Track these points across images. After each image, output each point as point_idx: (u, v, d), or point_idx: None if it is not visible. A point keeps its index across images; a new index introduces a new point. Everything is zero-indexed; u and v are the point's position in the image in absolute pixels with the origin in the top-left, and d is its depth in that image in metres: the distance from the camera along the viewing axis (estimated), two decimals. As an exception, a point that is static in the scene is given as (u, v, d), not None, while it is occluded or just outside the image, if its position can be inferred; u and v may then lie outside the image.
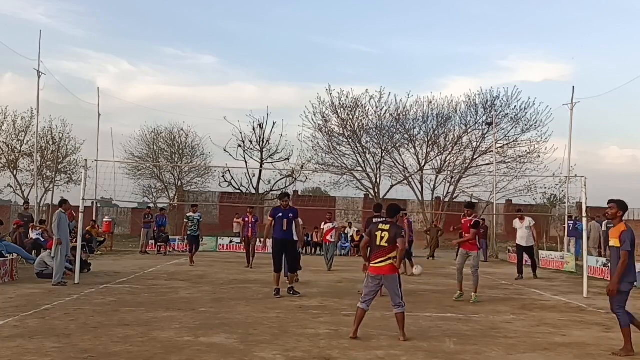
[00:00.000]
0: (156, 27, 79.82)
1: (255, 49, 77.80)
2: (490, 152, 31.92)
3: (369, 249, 7.60)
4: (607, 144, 73.52)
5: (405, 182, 33.80)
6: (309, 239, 26.18)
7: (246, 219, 17.63)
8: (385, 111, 33.08)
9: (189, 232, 18.03)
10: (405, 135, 33.52)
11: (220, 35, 79.07)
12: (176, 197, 37.17)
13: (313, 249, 26.03)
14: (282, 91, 73.70)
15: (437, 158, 33.93)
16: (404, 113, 33.09)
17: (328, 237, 17.48)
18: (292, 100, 73.41)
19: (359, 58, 74.03)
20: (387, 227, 7.44)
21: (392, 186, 34.05)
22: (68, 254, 12.80)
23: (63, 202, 13.07)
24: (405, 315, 7.48)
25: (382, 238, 7.40)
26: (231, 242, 25.77)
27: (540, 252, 22.60)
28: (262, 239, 12.74)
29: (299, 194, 38.99)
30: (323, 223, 18.21)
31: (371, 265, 7.50)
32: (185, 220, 18.32)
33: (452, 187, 33.76)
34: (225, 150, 32.17)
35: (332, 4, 75.43)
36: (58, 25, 79.45)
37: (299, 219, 11.61)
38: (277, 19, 78.39)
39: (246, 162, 31.89)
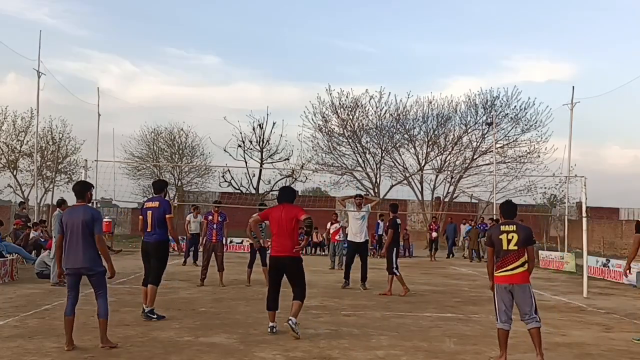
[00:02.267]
0: (160, 27, 79.73)
1: (259, 49, 77.83)
2: (490, 152, 31.96)
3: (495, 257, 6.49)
4: (609, 144, 73.47)
5: (405, 182, 33.83)
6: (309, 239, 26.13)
7: (210, 217, 13.15)
8: (385, 111, 33.16)
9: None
10: (405, 135, 33.56)
11: (224, 36, 79.00)
12: (176, 197, 37.17)
13: (313, 249, 26.01)
14: (286, 91, 73.65)
15: (437, 158, 34.01)
16: (404, 113, 33.16)
17: (337, 237, 17.85)
18: (295, 100, 73.43)
19: (362, 58, 73.98)
20: (512, 227, 6.45)
21: (392, 186, 34.15)
22: None
23: (62, 202, 13.02)
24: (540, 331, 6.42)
25: (509, 241, 6.36)
26: (231, 242, 25.73)
27: (540, 252, 22.63)
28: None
29: (299, 194, 38.98)
30: (329, 223, 18.62)
31: (498, 274, 6.41)
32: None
33: (452, 187, 33.80)
34: (225, 150, 32.23)
35: (337, 3, 75.43)
36: (62, 25, 79.39)
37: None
38: (280, 19, 78.42)
39: (246, 162, 31.95)
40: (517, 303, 6.36)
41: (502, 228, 6.48)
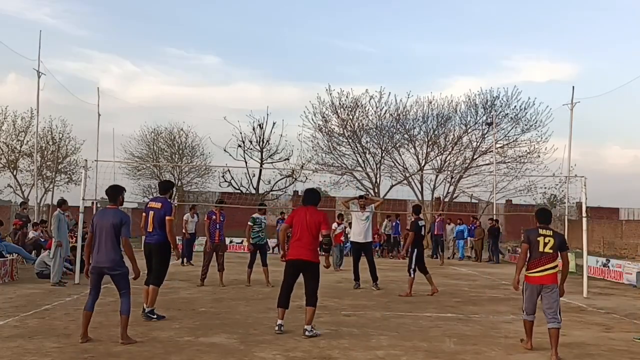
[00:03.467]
0: (160, 27, 79.77)
1: (259, 49, 77.85)
2: (490, 152, 31.94)
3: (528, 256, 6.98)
4: (609, 144, 73.51)
5: (405, 182, 33.82)
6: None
7: (213, 217, 12.75)
8: (385, 111, 33.14)
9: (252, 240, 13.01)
10: (405, 135, 33.55)
11: (224, 36, 79.06)
12: (176, 197, 37.17)
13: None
14: (286, 91, 73.70)
15: (437, 158, 33.98)
16: (404, 113, 33.15)
17: (342, 238, 18.02)
18: (295, 100, 73.44)
19: (362, 58, 74.05)
20: (550, 232, 6.96)
21: (392, 186, 34.12)
22: (68, 254, 12.80)
23: (62, 203, 13.01)
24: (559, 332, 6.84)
25: (545, 244, 6.87)
26: (231, 242, 25.74)
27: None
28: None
29: (299, 194, 39.00)
30: (335, 224, 18.83)
31: (531, 274, 6.93)
32: (250, 223, 13.05)
33: (452, 187, 33.79)
34: (225, 150, 32.22)
35: (337, 3, 75.44)
36: (63, 25, 79.44)
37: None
38: (280, 19, 78.45)
39: (246, 162, 31.92)
40: (544, 302, 6.86)
41: (540, 232, 6.93)
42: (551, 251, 6.84)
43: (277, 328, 7.58)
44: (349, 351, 6.74)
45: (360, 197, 13.69)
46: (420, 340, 7.45)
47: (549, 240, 6.86)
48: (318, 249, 7.88)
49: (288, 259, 7.70)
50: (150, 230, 8.60)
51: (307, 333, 7.37)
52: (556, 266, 6.88)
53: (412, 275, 11.75)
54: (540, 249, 6.85)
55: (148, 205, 8.89)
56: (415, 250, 11.81)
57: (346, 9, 74.66)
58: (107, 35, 75.46)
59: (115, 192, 7.24)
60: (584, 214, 13.48)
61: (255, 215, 13.04)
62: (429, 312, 9.78)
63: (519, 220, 35.36)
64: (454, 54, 70.27)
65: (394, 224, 25.20)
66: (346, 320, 8.79)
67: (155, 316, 8.40)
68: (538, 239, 6.89)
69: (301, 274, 7.69)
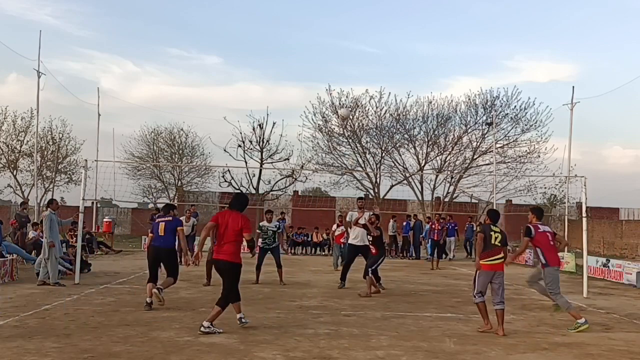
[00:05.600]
0: (162, 28, 79.92)
1: (260, 50, 77.92)
2: (490, 152, 31.93)
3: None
4: (610, 143, 73.58)
5: (405, 182, 33.81)
6: (309, 238, 26.22)
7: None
8: (385, 111, 33.13)
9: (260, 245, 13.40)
10: (405, 135, 33.54)
11: (225, 36, 79.16)
12: (176, 197, 37.17)
13: (313, 249, 26.03)
14: (287, 91, 73.79)
15: (437, 158, 33.96)
16: (404, 113, 33.14)
17: (342, 240, 17.99)
18: (295, 100, 73.51)
19: (362, 58, 74.12)
20: (498, 230, 8.38)
21: (392, 186, 34.11)
22: (60, 253, 12.66)
23: (51, 202, 12.94)
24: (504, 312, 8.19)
25: (495, 239, 8.23)
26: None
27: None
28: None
29: (299, 194, 39.00)
30: (335, 225, 18.90)
31: (485, 262, 8.20)
32: (257, 231, 13.41)
33: (452, 187, 33.78)
34: (225, 150, 32.17)
35: (339, 4, 75.48)
36: (64, 26, 79.55)
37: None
38: (281, 20, 78.46)
39: (246, 162, 31.86)
40: (494, 286, 8.17)
41: (493, 228, 8.35)
42: (499, 245, 8.24)
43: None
44: (349, 351, 6.74)
45: (359, 198, 13.69)
46: (420, 340, 7.45)
47: (498, 236, 8.28)
48: (242, 249, 8.25)
49: (213, 259, 8.22)
50: (162, 234, 9.48)
51: (243, 320, 7.89)
52: (502, 257, 8.23)
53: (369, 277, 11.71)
54: (492, 242, 8.22)
55: (156, 220, 9.90)
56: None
57: (346, 9, 74.76)
58: (108, 35, 75.59)
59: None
60: (584, 214, 13.48)
61: (262, 222, 13.58)
62: (429, 312, 9.78)
63: (519, 220, 35.39)
64: (455, 54, 70.39)
65: (404, 223, 25.07)
66: (346, 320, 8.79)
67: (162, 293, 9.35)
68: (491, 233, 8.27)
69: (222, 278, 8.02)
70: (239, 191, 33.30)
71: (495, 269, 8.15)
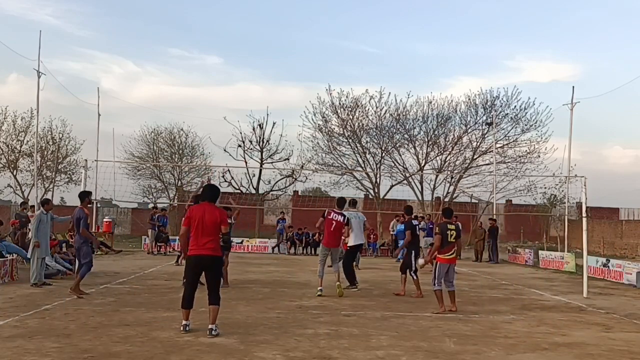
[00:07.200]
0: (162, 28, 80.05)
1: (260, 50, 77.98)
2: (490, 152, 31.95)
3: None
4: (610, 143, 73.65)
5: (405, 182, 33.82)
6: (310, 238, 26.21)
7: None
8: (385, 111, 33.13)
9: None
10: (405, 135, 33.56)
11: (225, 36, 79.25)
12: (176, 197, 37.17)
13: (313, 249, 26.00)
14: (287, 91, 73.89)
15: (437, 158, 34.00)
16: (404, 113, 33.14)
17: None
18: (295, 100, 73.59)
19: (363, 58, 74.19)
20: (453, 227, 9.78)
21: (392, 186, 34.12)
22: (47, 254, 12.56)
23: (45, 202, 12.86)
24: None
25: (451, 235, 9.58)
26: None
27: (540, 252, 22.65)
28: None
29: (299, 194, 39.00)
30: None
31: (443, 257, 9.66)
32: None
33: (452, 187, 33.79)
34: (225, 150, 32.19)
35: (339, 4, 75.53)
36: (64, 26, 79.68)
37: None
38: (281, 20, 78.51)
39: (246, 162, 31.87)
40: (448, 275, 9.70)
41: (449, 226, 9.67)
42: (454, 240, 9.67)
43: (182, 328, 7.50)
44: (349, 351, 6.74)
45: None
46: (420, 340, 7.45)
47: (453, 233, 9.62)
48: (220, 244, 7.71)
49: (189, 255, 7.51)
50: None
51: (213, 332, 7.26)
52: (455, 251, 9.80)
53: (415, 277, 11.78)
54: (449, 239, 9.57)
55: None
56: (413, 251, 11.94)
57: (346, 9, 74.76)
58: (108, 35, 75.70)
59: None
60: (584, 214, 13.47)
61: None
62: (428, 312, 9.77)
63: (519, 220, 35.41)
64: (456, 54, 70.49)
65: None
66: (346, 320, 8.79)
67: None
68: (447, 231, 9.56)
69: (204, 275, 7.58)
70: (238, 191, 33.33)
71: (451, 262, 9.73)
